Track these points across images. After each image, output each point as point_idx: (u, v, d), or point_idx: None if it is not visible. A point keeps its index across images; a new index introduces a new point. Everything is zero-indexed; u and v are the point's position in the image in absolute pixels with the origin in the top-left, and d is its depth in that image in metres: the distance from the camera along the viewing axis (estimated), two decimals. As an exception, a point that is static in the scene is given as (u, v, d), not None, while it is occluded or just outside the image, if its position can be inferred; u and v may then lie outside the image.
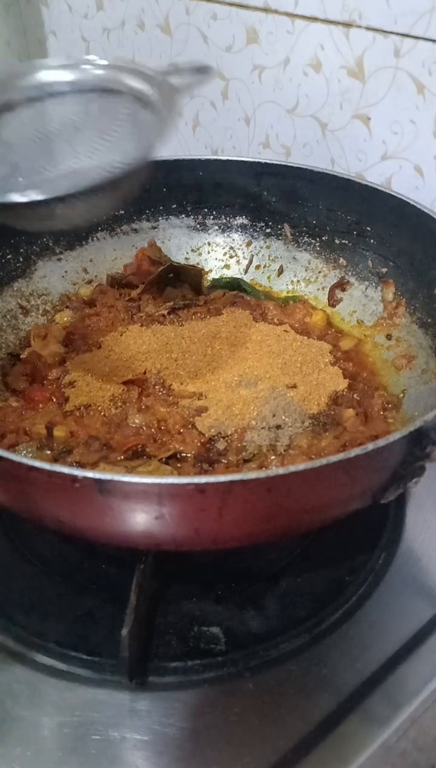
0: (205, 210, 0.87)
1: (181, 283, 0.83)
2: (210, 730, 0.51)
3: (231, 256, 0.88)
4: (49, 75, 0.61)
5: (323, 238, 0.83)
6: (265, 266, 0.87)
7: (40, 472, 0.44)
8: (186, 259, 0.88)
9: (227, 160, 0.85)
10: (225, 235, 0.88)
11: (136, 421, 0.66)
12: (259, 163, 0.85)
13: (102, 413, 0.67)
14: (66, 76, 0.61)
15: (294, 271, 0.86)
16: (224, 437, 0.65)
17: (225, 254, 0.88)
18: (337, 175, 0.79)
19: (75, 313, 0.81)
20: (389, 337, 0.77)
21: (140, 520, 0.46)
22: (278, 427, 0.65)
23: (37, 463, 0.44)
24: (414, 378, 0.71)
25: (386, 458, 0.49)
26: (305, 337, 0.76)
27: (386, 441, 0.47)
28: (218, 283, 0.86)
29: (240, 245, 0.88)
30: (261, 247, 0.87)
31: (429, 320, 0.72)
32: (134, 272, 0.84)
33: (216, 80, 0.96)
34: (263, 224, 0.87)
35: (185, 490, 0.44)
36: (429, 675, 0.54)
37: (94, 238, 0.86)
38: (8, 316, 0.79)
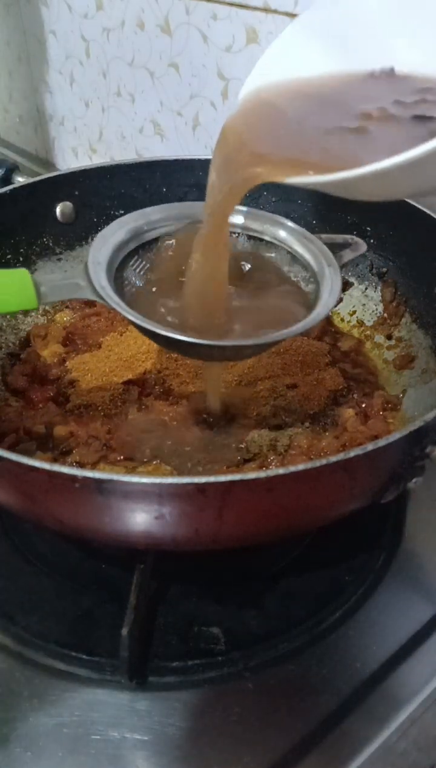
0: (205, 210, 0.87)
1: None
2: (210, 730, 0.51)
3: (231, 256, 0.88)
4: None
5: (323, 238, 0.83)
6: (265, 266, 0.87)
7: (40, 472, 0.44)
8: (185, 259, 0.88)
9: (227, 161, 0.85)
10: (225, 235, 0.88)
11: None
12: (259, 163, 0.85)
13: (102, 413, 0.67)
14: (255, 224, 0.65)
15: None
16: (224, 437, 0.65)
17: (225, 254, 0.88)
18: (337, 175, 0.79)
19: (75, 313, 0.81)
20: (389, 337, 0.77)
21: (140, 520, 0.46)
22: (278, 427, 0.65)
23: (37, 463, 0.44)
24: (414, 378, 0.71)
25: (386, 458, 0.49)
26: (305, 337, 0.76)
27: (386, 441, 0.46)
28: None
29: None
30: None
31: (429, 320, 0.72)
32: (134, 272, 0.84)
33: (216, 80, 0.96)
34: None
35: (185, 490, 0.44)
36: (429, 675, 0.54)
37: (94, 238, 0.85)
38: (8, 316, 0.79)
